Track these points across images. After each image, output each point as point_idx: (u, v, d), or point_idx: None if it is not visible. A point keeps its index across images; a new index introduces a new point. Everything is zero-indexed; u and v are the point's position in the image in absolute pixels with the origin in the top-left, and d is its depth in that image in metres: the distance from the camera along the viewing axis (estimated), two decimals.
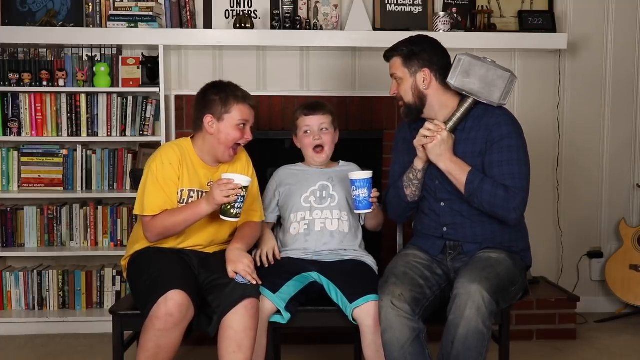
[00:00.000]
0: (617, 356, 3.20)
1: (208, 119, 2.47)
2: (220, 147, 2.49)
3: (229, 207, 2.35)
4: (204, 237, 2.52)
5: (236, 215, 2.37)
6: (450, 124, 2.39)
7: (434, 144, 2.34)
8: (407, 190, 2.48)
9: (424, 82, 2.41)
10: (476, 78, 2.38)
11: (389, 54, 2.48)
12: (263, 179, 2.88)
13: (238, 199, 2.34)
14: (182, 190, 2.47)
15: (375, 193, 2.49)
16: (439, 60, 2.43)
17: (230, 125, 2.46)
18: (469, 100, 2.40)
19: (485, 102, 2.40)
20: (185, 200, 2.48)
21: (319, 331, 3.29)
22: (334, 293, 2.44)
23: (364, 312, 2.35)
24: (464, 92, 2.40)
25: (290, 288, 2.43)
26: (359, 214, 2.66)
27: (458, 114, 2.40)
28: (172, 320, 2.19)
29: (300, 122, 2.69)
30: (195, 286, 2.35)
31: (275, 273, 2.49)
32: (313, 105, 2.71)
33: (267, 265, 2.56)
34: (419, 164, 2.43)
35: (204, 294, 2.36)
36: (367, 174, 2.46)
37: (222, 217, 2.38)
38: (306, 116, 2.67)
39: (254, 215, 2.61)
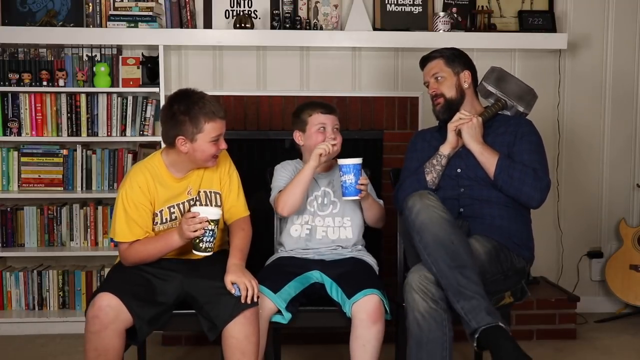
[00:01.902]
0: (617, 356, 3.20)
1: (180, 141, 2.39)
2: (198, 162, 2.45)
3: (197, 241, 2.31)
4: (190, 246, 2.49)
5: (206, 250, 2.32)
6: (481, 117, 2.61)
7: (470, 125, 2.55)
8: (428, 176, 2.60)
9: (464, 81, 2.67)
10: (508, 86, 2.72)
11: (431, 55, 2.72)
12: (263, 179, 2.88)
13: (206, 232, 2.29)
14: (161, 211, 2.46)
15: (363, 180, 2.52)
16: (472, 68, 2.72)
17: (204, 143, 2.39)
18: (500, 101, 2.68)
19: (512, 107, 2.68)
20: (168, 219, 2.47)
21: (319, 331, 3.29)
22: (335, 291, 2.45)
23: (360, 305, 2.35)
24: (497, 94, 2.68)
25: (291, 289, 2.43)
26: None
27: (489, 110, 2.66)
28: (99, 322, 2.21)
29: (313, 119, 2.65)
30: (142, 294, 2.32)
31: (277, 273, 2.49)
32: (326, 105, 2.70)
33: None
34: (446, 149, 2.59)
35: (201, 300, 2.35)
36: (356, 160, 2.50)
37: (194, 251, 2.34)
38: (322, 114, 2.65)
39: (237, 212, 2.58)
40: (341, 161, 2.51)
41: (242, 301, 2.28)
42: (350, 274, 2.49)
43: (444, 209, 2.32)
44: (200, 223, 2.27)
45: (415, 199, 2.33)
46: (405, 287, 2.26)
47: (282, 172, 2.72)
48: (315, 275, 2.52)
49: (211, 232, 2.30)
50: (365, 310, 2.34)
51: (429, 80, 2.71)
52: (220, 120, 2.41)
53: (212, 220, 2.30)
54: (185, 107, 2.38)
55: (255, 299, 2.31)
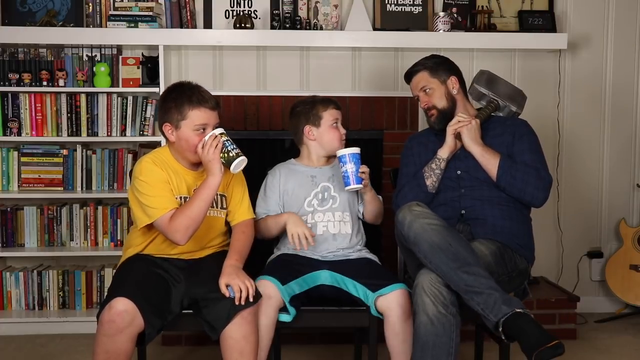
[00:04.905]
0: (617, 356, 3.20)
1: (167, 128, 2.42)
2: (186, 153, 2.44)
3: (226, 155, 2.35)
4: (194, 243, 2.48)
5: (238, 155, 2.36)
6: (478, 119, 2.61)
7: (469, 127, 2.55)
8: (427, 180, 2.59)
9: (453, 88, 2.66)
10: (498, 87, 2.73)
11: (413, 70, 2.70)
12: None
13: (225, 144, 2.35)
14: (175, 198, 2.44)
15: (363, 168, 2.53)
16: (458, 71, 2.70)
17: (188, 130, 2.39)
18: (493, 103, 2.69)
19: (504, 107, 2.70)
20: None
21: (319, 331, 3.29)
22: (352, 287, 2.44)
23: (391, 300, 2.36)
24: (490, 95, 2.68)
25: (296, 285, 2.43)
26: (358, 203, 2.71)
27: (483, 112, 2.66)
28: (115, 327, 2.19)
29: (328, 114, 2.67)
30: (155, 296, 2.31)
31: (285, 267, 2.48)
32: (332, 100, 2.72)
33: (304, 244, 2.52)
34: (444, 152, 2.58)
35: (200, 304, 2.34)
36: (355, 149, 2.53)
37: (232, 170, 2.36)
38: (335, 109, 2.68)
39: (240, 214, 2.58)
40: (340, 152, 2.54)
41: (237, 302, 2.27)
42: (366, 269, 2.50)
43: (435, 215, 2.32)
44: (214, 140, 2.34)
45: (404, 212, 2.32)
46: (415, 288, 2.25)
47: (270, 192, 2.70)
48: (324, 276, 2.52)
49: (229, 142, 2.37)
50: (400, 305, 2.36)
51: (418, 94, 2.70)
52: (207, 110, 2.40)
53: (221, 134, 2.37)
54: (175, 96, 2.42)
55: (251, 299, 2.29)
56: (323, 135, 2.68)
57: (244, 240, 2.52)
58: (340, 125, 2.71)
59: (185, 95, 2.41)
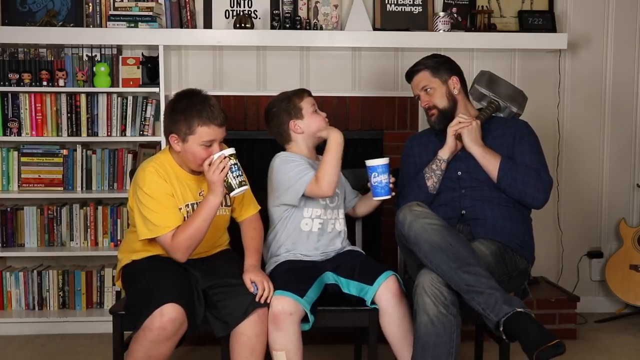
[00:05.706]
0: (617, 356, 3.20)
1: (173, 139, 2.39)
2: (191, 164, 2.43)
3: (229, 181, 2.32)
4: (203, 244, 2.46)
5: (241, 184, 2.33)
6: (478, 120, 2.61)
7: (470, 128, 2.55)
8: (428, 181, 2.60)
9: (454, 88, 2.66)
10: (499, 88, 2.73)
11: (415, 70, 2.69)
12: (263, 180, 2.87)
13: (232, 168, 2.32)
14: (180, 209, 2.42)
15: (393, 179, 2.56)
16: (459, 71, 2.70)
17: (194, 145, 2.36)
18: (494, 103, 2.66)
19: (505, 108, 2.69)
20: (186, 217, 2.41)
21: (319, 331, 3.29)
22: (352, 287, 2.47)
23: (382, 288, 2.40)
24: (490, 96, 2.68)
25: (313, 292, 2.43)
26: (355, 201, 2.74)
27: (485, 112, 2.66)
28: (165, 334, 2.18)
29: (305, 103, 2.62)
30: (192, 298, 2.32)
31: (298, 277, 2.46)
32: (303, 89, 2.69)
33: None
34: (445, 153, 2.58)
35: (213, 296, 2.35)
36: (385, 160, 2.52)
37: (232, 195, 2.35)
38: (309, 97, 2.66)
39: (247, 209, 2.58)
40: (374, 162, 2.50)
41: (257, 299, 2.31)
42: (358, 266, 2.50)
43: (435, 215, 2.32)
44: (221, 162, 2.31)
45: (404, 212, 2.32)
46: (416, 288, 2.25)
47: (293, 162, 2.58)
48: (328, 277, 2.53)
49: (237, 167, 2.34)
50: (390, 290, 2.40)
51: (419, 93, 2.70)
52: (216, 127, 2.37)
53: (231, 155, 2.34)
54: (184, 107, 2.38)
55: (269, 300, 2.33)
56: (309, 124, 2.62)
57: (258, 238, 2.56)
58: (319, 109, 2.67)
59: (195, 109, 2.36)
